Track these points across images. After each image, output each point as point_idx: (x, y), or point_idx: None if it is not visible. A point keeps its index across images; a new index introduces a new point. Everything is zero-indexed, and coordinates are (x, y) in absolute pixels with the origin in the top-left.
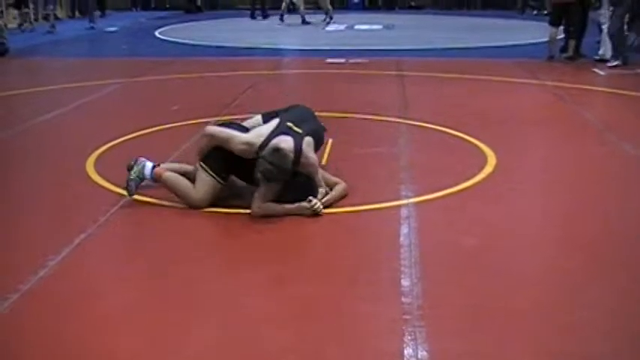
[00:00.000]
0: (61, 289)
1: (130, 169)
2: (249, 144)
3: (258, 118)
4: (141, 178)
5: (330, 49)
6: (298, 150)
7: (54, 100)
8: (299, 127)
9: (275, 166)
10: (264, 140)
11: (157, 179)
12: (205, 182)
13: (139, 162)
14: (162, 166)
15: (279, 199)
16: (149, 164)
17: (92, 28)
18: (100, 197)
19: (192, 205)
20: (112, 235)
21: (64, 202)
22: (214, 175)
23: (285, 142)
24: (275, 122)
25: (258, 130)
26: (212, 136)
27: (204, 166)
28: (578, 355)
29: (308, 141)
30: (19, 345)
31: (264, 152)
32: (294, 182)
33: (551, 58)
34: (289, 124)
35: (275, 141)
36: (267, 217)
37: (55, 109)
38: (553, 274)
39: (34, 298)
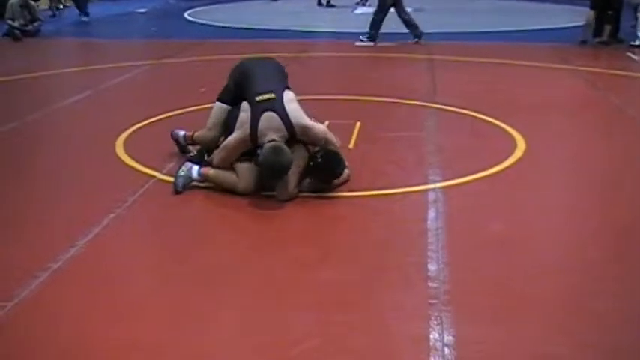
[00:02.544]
0: (88, 269)
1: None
2: (242, 140)
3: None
4: (189, 178)
5: (360, 32)
6: (286, 119)
7: (83, 82)
8: (270, 92)
9: (274, 168)
10: (251, 130)
11: (204, 179)
12: (244, 168)
13: (186, 165)
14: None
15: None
16: (196, 167)
17: (85, 16)
18: (129, 178)
19: (239, 193)
20: (140, 217)
21: (94, 182)
22: (249, 159)
23: (273, 127)
24: (246, 106)
25: (240, 121)
26: (224, 164)
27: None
28: (604, 345)
29: (288, 96)
30: (48, 324)
31: (263, 155)
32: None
33: (584, 42)
34: (258, 98)
35: (264, 133)
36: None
37: (85, 91)
38: (581, 263)
39: (62, 278)
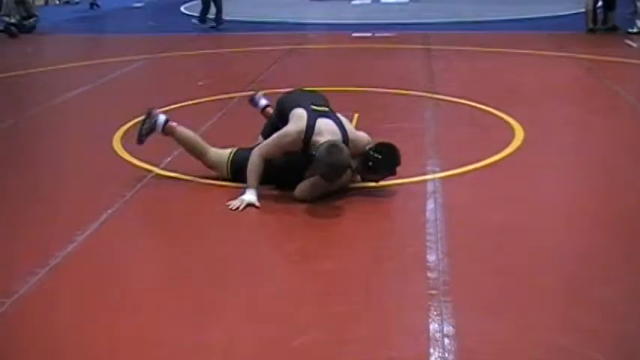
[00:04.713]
0: (88, 264)
1: (143, 121)
2: (298, 132)
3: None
4: (151, 130)
5: (356, 24)
6: (341, 127)
7: (80, 77)
8: (324, 107)
9: (335, 166)
10: (307, 126)
11: (167, 133)
12: (222, 157)
13: (152, 115)
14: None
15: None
16: (162, 117)
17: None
18: (126, 173)
19: (204, 160)
20: (139, 211)
21: (91, 177)
22: (229, 170)
23: (330, 130)
24: (301, 109)
25: (295, 115)
26: (267, 156)
27: (232, 156)
28: (608, 333)
29: (339, 115)
30: (47, 320)
31: (320, 153)
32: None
33: (590, 30)
34: (313, 107)
35: (320, 132)
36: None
37: (82, 86)
38: (582, 251)
39: (61, 274)
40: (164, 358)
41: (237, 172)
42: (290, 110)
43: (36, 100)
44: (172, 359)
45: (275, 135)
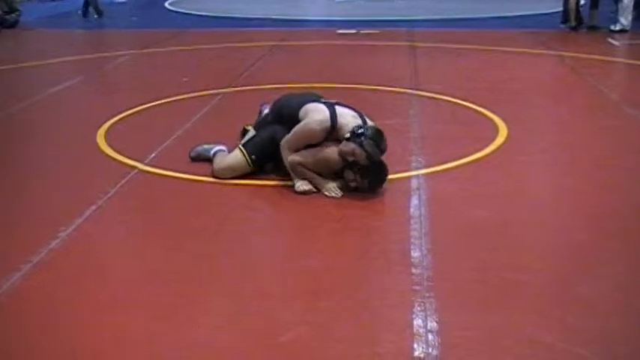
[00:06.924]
0: (71, 261)
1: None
2: (322, 122)
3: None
4: None
5: (341, 20)
6: (356, 110)
7: (64, 73)
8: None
9: (380, 149)
10: (330, 115)
11: None
12: (234, 156)
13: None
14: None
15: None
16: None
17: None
18: (110, 169)
19: (213, 174)
20: (123, 208)
21: (75, 173)
22: (246, 155)
23: (349, 113)
24: (314, 104)
25: (310, 109)
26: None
27: (241, 148)
28: (592, 330)
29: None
30: (30, 317)
31: (370, 133)
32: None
33: (573, 28)
34: (322, 100)
35: (342, 114)
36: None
37: (66, 82)
38: (565, 247)
39: (44, 270)
40: (150, 354)
41: (261, 159)
42: (295, 109)
43: (18, 96)
44: (158, 356)
45: (298, 130)
